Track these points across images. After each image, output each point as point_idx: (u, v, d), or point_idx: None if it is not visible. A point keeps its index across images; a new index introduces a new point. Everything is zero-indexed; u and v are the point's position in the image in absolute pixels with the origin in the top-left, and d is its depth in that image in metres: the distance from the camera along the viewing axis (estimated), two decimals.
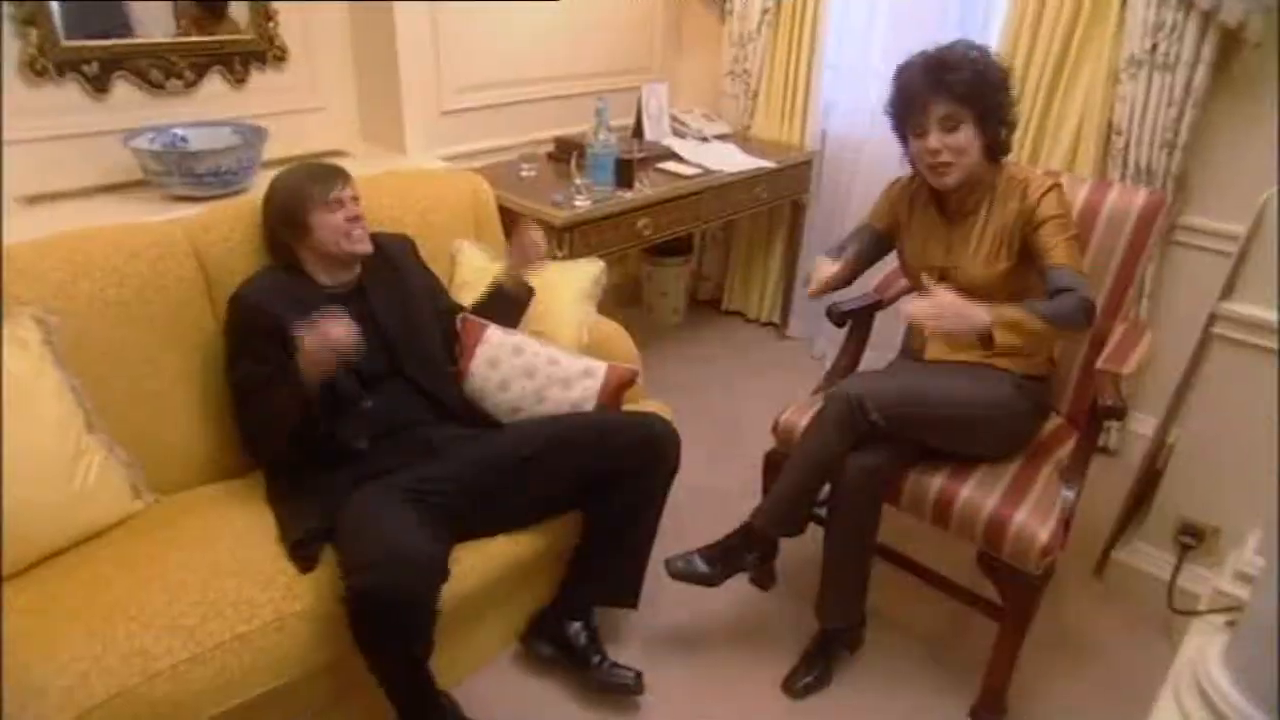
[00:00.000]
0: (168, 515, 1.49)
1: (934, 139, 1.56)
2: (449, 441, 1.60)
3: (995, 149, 1.60)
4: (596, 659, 1.69)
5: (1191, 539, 1.86)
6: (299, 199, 1.60)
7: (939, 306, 1.46)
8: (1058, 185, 1.59)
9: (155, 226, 1.63)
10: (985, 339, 1.50)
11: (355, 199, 1.65)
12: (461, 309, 1.86)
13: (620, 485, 1.64)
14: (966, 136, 1.55)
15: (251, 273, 1.64)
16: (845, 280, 1.81)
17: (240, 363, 1.54)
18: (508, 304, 1.85)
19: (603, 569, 1.72)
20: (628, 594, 1.74)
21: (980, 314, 1.45)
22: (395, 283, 1.73)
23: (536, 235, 1.83)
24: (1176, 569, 1.86)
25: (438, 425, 1.64)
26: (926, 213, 1.73)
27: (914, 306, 1.47)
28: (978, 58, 1.54)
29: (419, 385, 1.66)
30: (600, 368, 1.79)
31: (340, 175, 1.65)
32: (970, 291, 1.62)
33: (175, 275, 1.60)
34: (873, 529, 1.66)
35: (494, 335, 1.78)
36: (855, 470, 1.59)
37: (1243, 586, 1.50)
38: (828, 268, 1.75)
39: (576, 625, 1.71)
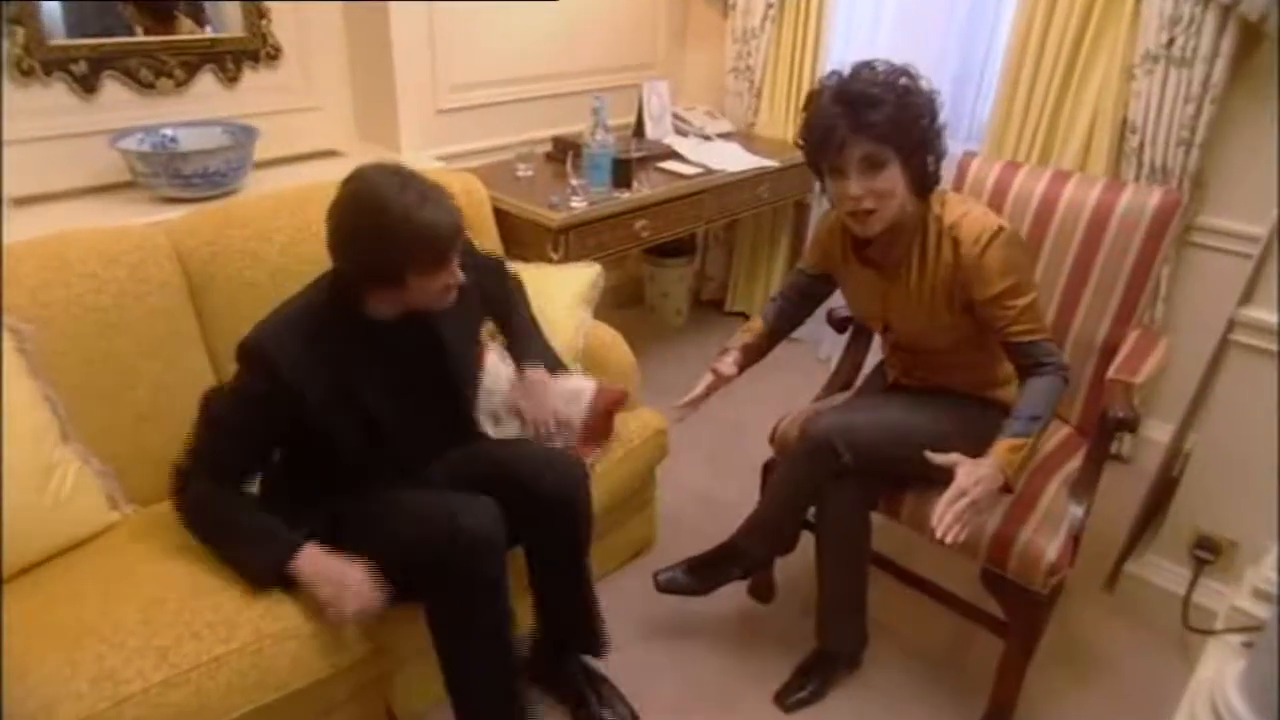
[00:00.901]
0: (146, 527, 1.45)
1: (855, 185, 1.36)
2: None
3: (924, 183, 1.42)
4: (590, 701, 1.62)
5: (1208, 553, 1.80)
6: (401, 257, 1.24)
7: (957, 515, 1.33)
8: (997, 236, 1.38)
9: (136, 230, 1.59)
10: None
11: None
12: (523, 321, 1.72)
13: (534, 539, 1.52)
14: (891, 178, 1.36)
15: (267, 303, 1.35)
16: (785, 333, 1.79)
17: (230, 410, 1.33)
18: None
19: (555, 616, 1.62)
20: (591, 645, 1.65)
21: (994, 481, 1.36)
22: (462, 303, 1.44)
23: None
24: (1192, 585, 1.80)
25: (449, 449, 1.55)
26: (855, 262, 1.58)
27: (938, 521, 1.35)
28: (899, 86, 1.35)
29: (459, 407, 1.55)
30: (588, 392, 1.68)
31: (454, 236, 1.29)
32: (915, 340, 1.59)
33: (157, 280, 1.56)
34: (864, 553, 1.61)
35: (492, 364, 1.69)
36: (837, 501, 1.54)
37: (1261, 605, 1.44)
38: (700, 386, 1.69)
39: (569, 665, 1.65)
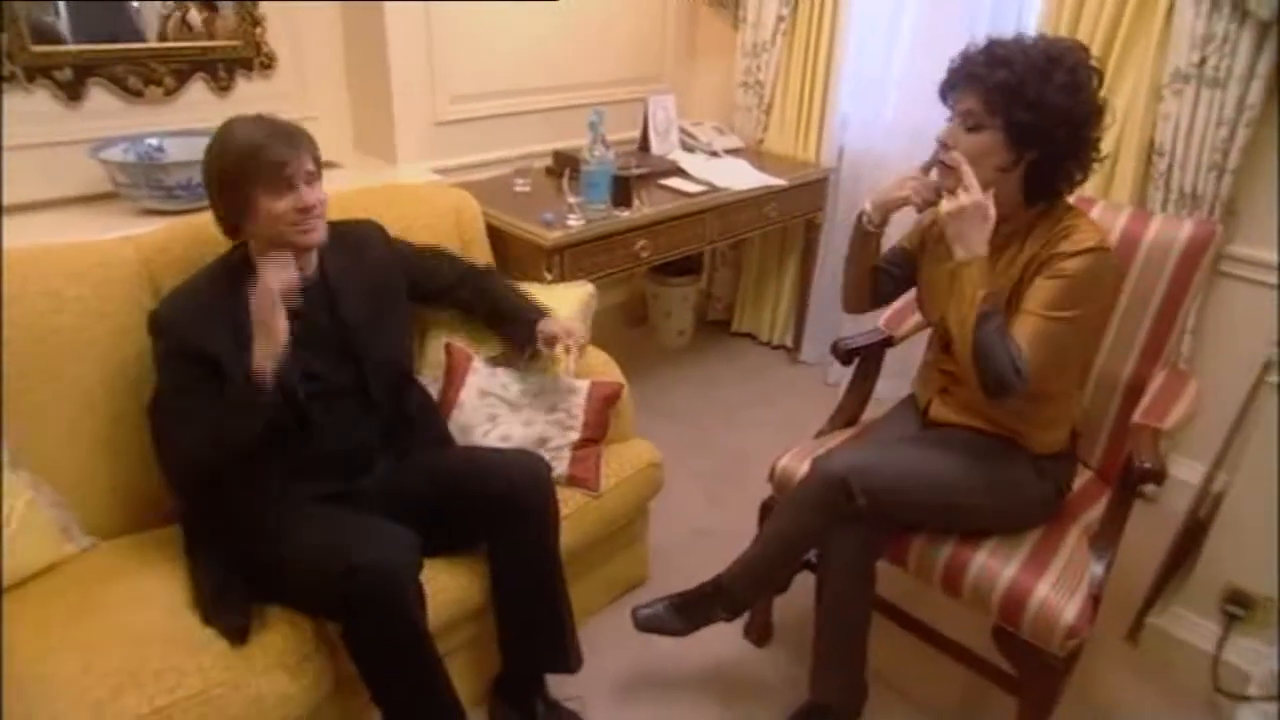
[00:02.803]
0: (102, 563, 1.37)
1: (947, 131, 1.35)
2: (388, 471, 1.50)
3: (1036, 189, 1.33)
4: None
5: (1239, 609, 1.67)
6: (242, 172, 1.32)
7: (961, 208, 1.29)
8: (1098, 251, 1.29)
9: (103, 245, 1.51)
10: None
11: (314, 174, 1.38)
12: (474, 269, 1.78)
13: (497, 538, 1.49)
14: (982, 145, 1.30)
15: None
16: (886, 299, 1.65)
17: (162, 390, 1.35)
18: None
19: (521, 635, 1.54)
20: (557, 661, 1.56)
21: (982, 238, 1.30)
22: (363, 272, 1.52)
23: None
24: (1221, 643, 1.67)
25: (383, 447, 1.51)
26: None
27: (944, 204, 1.32)
28: (1043, 68, 1.25)
29: (378, 393, 1.49)
30: (584, 385, 1.76)
31: (296, 147, 1.34)
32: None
33: (122, 299, 1.48)
34: (867, 604, 1.50)
35: (481, 365, 1.73)
36: (843, 547, 1.44)
37: None
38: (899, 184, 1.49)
39: (536, 699, 1.57)
